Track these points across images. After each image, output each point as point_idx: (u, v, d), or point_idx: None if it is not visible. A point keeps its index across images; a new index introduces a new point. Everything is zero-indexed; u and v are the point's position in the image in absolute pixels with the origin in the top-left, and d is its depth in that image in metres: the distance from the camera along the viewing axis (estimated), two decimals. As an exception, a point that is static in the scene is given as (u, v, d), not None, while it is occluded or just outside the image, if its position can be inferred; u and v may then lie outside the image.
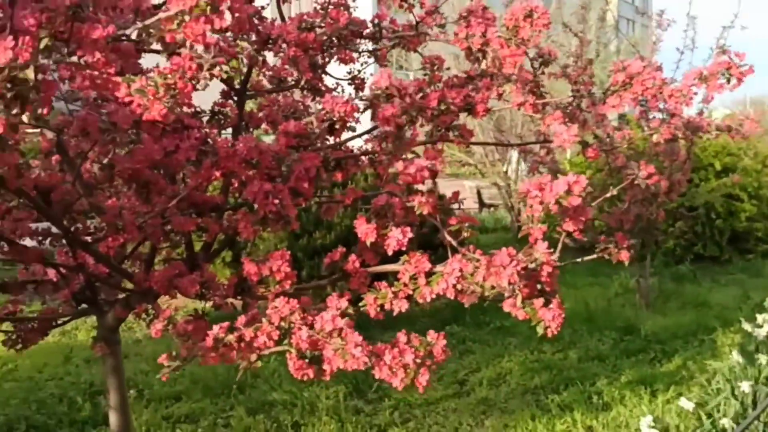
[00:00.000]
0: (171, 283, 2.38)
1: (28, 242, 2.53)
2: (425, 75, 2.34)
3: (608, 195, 1.94)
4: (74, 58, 1.27)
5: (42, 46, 1.18)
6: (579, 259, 1.88)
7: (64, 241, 2.61)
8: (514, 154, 10.16)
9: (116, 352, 2.92)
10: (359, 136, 2.50)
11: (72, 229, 2.36)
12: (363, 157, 2.44)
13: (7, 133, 1.24)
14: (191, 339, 2.13)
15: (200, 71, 1.20)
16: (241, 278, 2.30)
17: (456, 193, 2.87)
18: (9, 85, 1.13)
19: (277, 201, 1.88)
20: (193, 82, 1.20)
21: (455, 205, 2.19)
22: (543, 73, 2.47)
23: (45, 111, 1.18)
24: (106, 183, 2.38)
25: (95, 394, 4.16)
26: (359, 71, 2.86)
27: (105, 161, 2.32)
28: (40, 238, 2.64)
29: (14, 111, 1.17)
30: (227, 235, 2.55)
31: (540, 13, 1.70)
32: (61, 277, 2.73)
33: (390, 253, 1.89)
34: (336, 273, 2.21)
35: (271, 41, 2.28)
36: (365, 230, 1.87)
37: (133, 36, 1.26)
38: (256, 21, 2.40)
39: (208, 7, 1.06)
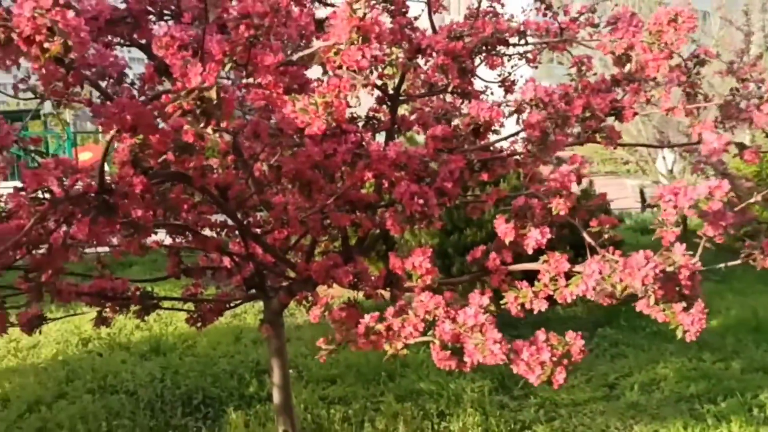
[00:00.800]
0: (328, 273, 2.61)
1: (207, 233, 2.88)
2: (572, 80, 2.38)
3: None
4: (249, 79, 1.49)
5: (225, 70, 1.40)
6: (720, 266, 1.84)
7: (237, 233, 2.91)
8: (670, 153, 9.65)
9: (280, 335, 3.22)
10: (505, 138, 2.57)
11: (245, 222, 2.63)
12: (509, 159, 2.52)
13: (195, 142, 1.48)
14: (345, 325, 2.34)
15: (354, 90, 1.36)
16: (390, 271, 2.47)
17: (603, 195, 2.87)
18: (197, 103, 1.36)
19: (422, 201, 2.02)
20: (347, 100, 1.36)
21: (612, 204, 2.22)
22: (698, 73, 2.42)
23: (225, 124, 1.40)
24: (274, 181, 2.64)
25: (261, 372, 4.56)
26: (509, 73, 2.93)
27: (273, 162, 2.59)
28: (218, 229, 2.97)
29: (201, 124, 1.40)
30: (380, 230, 2.73)
31: (685, 18, 1.70)
32: (235, 264, 3.05)
33: (529, 252, 1.97)
34: (478, 270, 2.32)
35: (421, 50, 2.42)
36: (504, 230, 1.96)
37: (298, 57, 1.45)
38: (408, 31, 2.55)
39: (360, 38, 1.22)
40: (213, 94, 1.33)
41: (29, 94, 2.38)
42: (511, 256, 2.21)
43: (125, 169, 1.94)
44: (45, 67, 1.42)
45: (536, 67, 2.98)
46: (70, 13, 1.21)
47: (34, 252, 2.00)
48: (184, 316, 5.51)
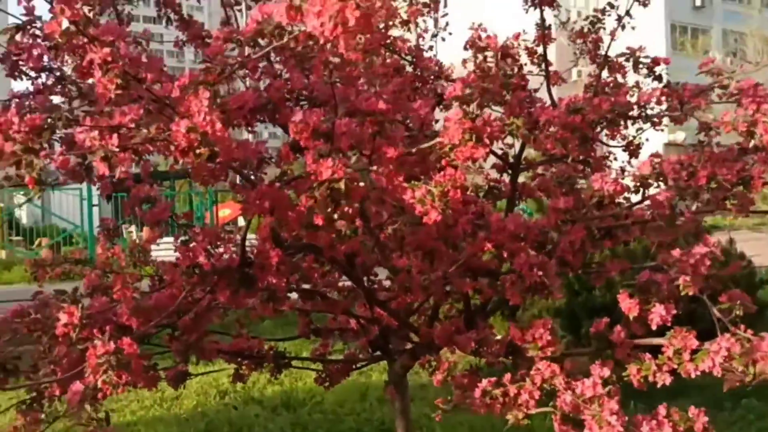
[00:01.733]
0: (450, 339, 2.67)
1: (336, 296, 3.03)
2: (694, 150, 2.34)
3: None
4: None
5: (352, 161, 1.53)
6: None
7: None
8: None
9: (404, 396, 3.29)
10: (631, 206, 2.55)
11: (370, 287, 2.76)
12: (633, 227, 2.49)
13: (324, 222, 1.63)
14: (465, 389, 2.39)
15: (467, 180, 1.45)
16: (511, 339, 2.50)
17: (736, 265, 2.75)
18: (328, 192, 1.50)
19: (541, 272, 2.05)
20: (463, 189, 1.45)
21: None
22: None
23: (351, 211, 1.53)
24: (397, 250, 2.76)
25: (387, 431, 4.62)
26: (634, 137, 2.91)
27: (393, 229, 2.71)
28: (345, 293, 3.12)
29: (329, 209, 1.54)
30: (501, 297, 2.77)
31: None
32: (360, 326, 3.18)
33: (653, 328, 1.94)
34: (601, 342, 2.29)
35: (539, 126, 2.48)
36: (628, 305, 1.95)
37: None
38: (527, 103, 2.63)
39: (473, 138, 1.31)
40: (342, 185, 1.47)
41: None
42: (640, 328, 2.17)
43: (264, 243, 2.13)
44: (196, 166, 1.63)
45: (662, 130, 2.95)
46: (218, 125, 1.39)
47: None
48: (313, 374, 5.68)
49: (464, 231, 2.34)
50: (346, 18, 1.15)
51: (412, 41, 2.87)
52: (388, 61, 2.67)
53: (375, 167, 1.56)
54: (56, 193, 21.18)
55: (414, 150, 1.52)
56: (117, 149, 1.37)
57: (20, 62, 2.19)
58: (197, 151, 1.36)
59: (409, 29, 2.93)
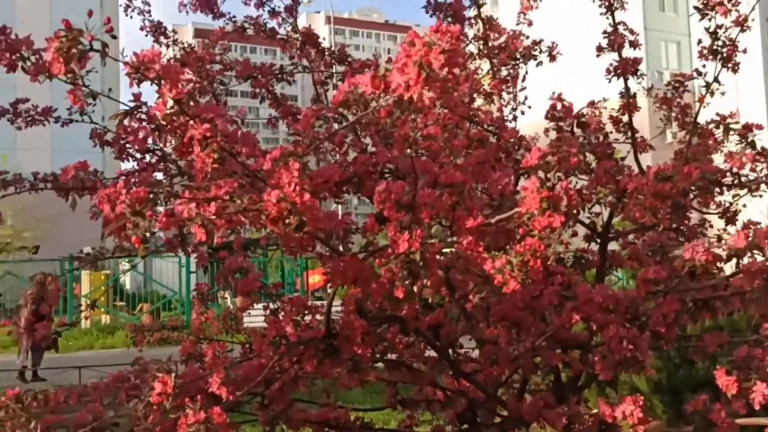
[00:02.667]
0: (539, 414, 2.59)
1: (421, 367, 3.01)
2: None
3: None
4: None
5: (431, 233, 1.56)
6: None
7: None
8: None
9: (495, 472, 3.18)
10: (728, 278, 2.44)
11: (455, 359, 2.73)
12: (732, 298, 2.38)
13: (405, 297, 1.65)
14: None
15: (548, 249, 1.44)
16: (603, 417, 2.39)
17: None
18: (405, 264, 1.53)
19: (632, 346, 1.98)
20: (543, 258, 1.45)
21: None
22: None
23: (430, 282, 1.55)
24: (483, 320, 2.73)
25: None
26: (730, 203, 2.80)
27: (480, 299, 2.69)
28: (430, 364, 3.10)
29: (407, 281, 1.57)
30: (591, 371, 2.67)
31: None
32: (447, 398, 3.13)
33: (756, 408, 1.82)
34: (702, 420, 2.17)
35: (627, 194, 2.44)
36: (725, 382, 1.84)
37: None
38: (615, 172, 2.59)
39: (551, 207, 1.31)
40: (418, 257, 1.49)
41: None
42: (743, 406, 2.04)
43: (349, 315, 2.17)
44: (285, 235, 1.70)
45: (761, 196, 2.83)
46: (306, 195, 1.46)
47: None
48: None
49: (550, 302, 2.30)
50: (430, 61, 1.20)
51: (494, 112, 2.92)
52: (472, 131, 2.72)
53: (455, 238, 1.58)
54: (157, 261, 22.29)
55: (493, 220, 1.53)
56: (213, 217, 1.46)
57: (127, 145, 2.39)
58: (287, 220, 1.42)
59: (492, 101, 2.98)
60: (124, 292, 23.63)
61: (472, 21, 3.20)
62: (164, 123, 1.42)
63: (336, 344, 2.08)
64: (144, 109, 1.92)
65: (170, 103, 1.41)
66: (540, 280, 2.32)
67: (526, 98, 3.18)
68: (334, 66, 3.57)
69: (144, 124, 1.92)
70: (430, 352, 3.06)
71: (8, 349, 16.04)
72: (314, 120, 2.35)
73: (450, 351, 2.65)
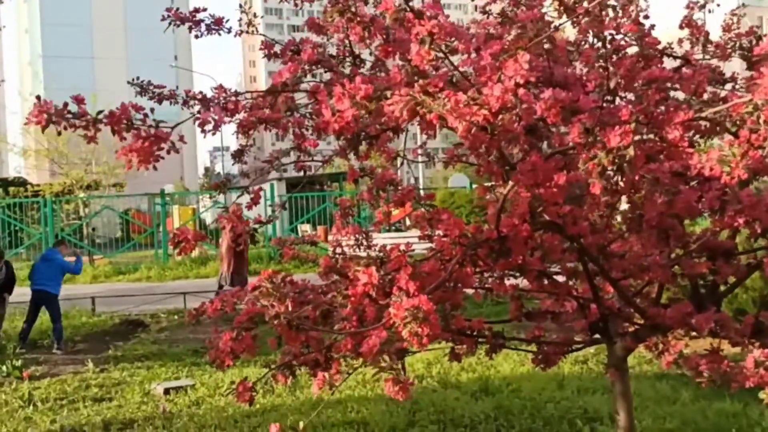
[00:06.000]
0: (684, 320, 2.65)
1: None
2: None
3: None
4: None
5: (633, 129, 1.61)
6: None
7: (579, 280, 3.07)
8: None
9: (625, 379, 3.28)
10: None
11: (605, 266, 2.80)
12: None
13: (599, 193, 1.72)
14: (704, 373, 2.37)
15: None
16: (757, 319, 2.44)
17: None
18: (617, 160, 1.59)
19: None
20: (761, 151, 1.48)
21: None
22: None
23: (637, 177, 1.61)
24: (634, 230, 2.77)
25: (591, 420, 4.61)
26: None
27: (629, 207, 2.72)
28: (568, 275, 3.18)
29: (614, 179, 1.63)
30: (736, 279, 2.70)
31: None
32: (580, 309, 3.22)
33: None
34: None
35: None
36: None
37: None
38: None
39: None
40: (631, 152, 1.55)
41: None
42: None
43: (513, 218, 2.26)
44: (473, 134, 1.78)
45: None
46: (521, 90, 1.54)
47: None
48: (505, 361, 5.83)
49: (711, 206, 2.33)
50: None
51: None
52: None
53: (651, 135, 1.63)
54: (234, 197, 22.97)
55: (707, 113, 1.56)
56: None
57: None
58: (504, 114, 1.50)
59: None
60: (206, 227, 24.56)
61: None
62: (394, 20, 1.50)
63: (507, 246, 2.18)
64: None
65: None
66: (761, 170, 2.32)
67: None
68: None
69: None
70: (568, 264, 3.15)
71: (110, 278, 17.09)
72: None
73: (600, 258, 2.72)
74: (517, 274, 2.90)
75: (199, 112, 2.33)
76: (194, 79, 58.18)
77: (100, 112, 1.78)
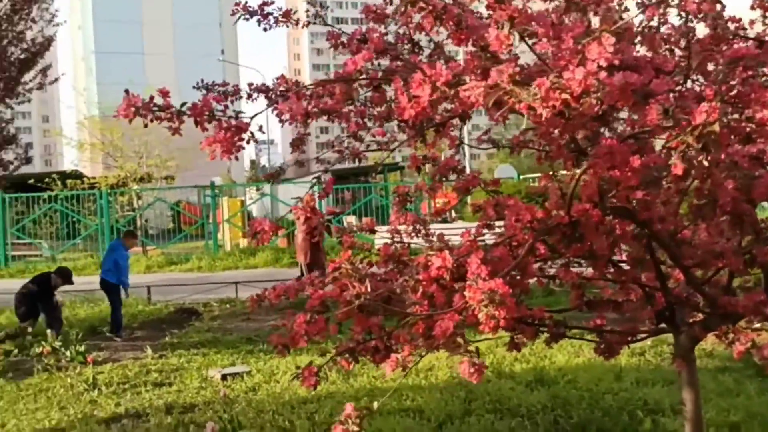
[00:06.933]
0: (757, 308, 2.58)
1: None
2: None
3: None
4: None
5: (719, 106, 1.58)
6: None
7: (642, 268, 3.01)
8: None
9: (692, 369, 3.22)
10: None
11: (676, 252, 2.75)
12: None
13: (680, 175, 1.68)
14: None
15: None
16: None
17: None
18: (700, 139, 1.56)
19: None
20: None
21: None
22: None
23: (722, 156, 1.57)
24: (704, 216, 2.71)
25: (651, 411, 4.54)
26: None
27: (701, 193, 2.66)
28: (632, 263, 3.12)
29: (699, 158, 1.60)
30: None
31: None
32: (646, 297, 3.16)
33: None
34: None
35: None
36: None
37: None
38: None
39: None
40: (716, 128, 1.52)
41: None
42: None
43: (584, 203, 2.23)
44: (548, 120, 1.77)
45: None
46: (602, 74, 1.52)
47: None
48: (560, 351, 5.76)
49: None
50: None
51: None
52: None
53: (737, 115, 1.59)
54: (281, 189, 23.31)
55: (803, 92, 1.52)
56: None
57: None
58: (585, 98, 1.48)
59: None
60: (252, 219, 24.87)
61: None
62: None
63: (579, 231, 2.16)
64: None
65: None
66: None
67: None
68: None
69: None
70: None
71: (163, 268, 17.49)
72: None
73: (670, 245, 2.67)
74: (581, 263, 2.88)
75: (275, 103, 2.37)
76: (240, 72, 58.99)
77: (183, 104, 1.83)
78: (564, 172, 2.65)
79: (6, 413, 5.53)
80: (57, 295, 8.99)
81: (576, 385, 5.28)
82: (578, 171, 2.11)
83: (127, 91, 1.81)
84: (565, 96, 1.50)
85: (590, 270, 2.99)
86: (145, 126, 1.82)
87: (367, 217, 22.53)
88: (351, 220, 22.19)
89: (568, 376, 5.51)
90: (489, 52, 1.84)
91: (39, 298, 8.73)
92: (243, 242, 20.57)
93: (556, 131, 1.97)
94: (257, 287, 10.41)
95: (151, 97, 1.80)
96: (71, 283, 9.20)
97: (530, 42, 1.70)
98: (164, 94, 1.82)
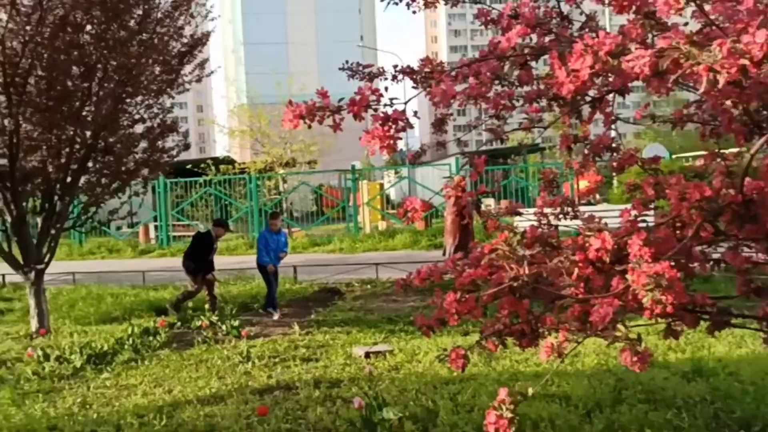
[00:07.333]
0: None
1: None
2: None
3: None
4: None
5: None
6: None
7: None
8: None
9: None
10: None
11: None
12: None
13: None
14: None
15: None
16: None
17: None
18: None
19: None
20: None
21: None
22: None
23: None
24: None
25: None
26: None
27: None
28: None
29: None
30: None
31: None
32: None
33: None
34: None
35: None
36: None
37: None
38: None
39: None
40: None
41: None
42: None
43: (757, 181, 2.04)
44: (722, 89, 1.62)
45: None
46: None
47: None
48: (719, 342, 5.37)
49: None
50: None
51: None
52: None
53: None
54: (418, 172, 23.47)
55: None
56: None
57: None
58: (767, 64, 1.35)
59: None
60: (391, 202, 25.37)
61: None
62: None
63: (753, 211, 1.99)
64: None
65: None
66: None
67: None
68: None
69: None
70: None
71: (307, 249, 18.18)
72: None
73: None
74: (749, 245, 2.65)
75: (421, 84, 2.37)
76: (378, 57, 59.85)
77: (341, 99, 1.87)
78: (731, 150, 2.44)
79: (172, 380, 6.01)
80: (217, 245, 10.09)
81: (738, 378, 4.90)
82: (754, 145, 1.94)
83: (290, 102, 1.88)
84: (744, 61, 1.37)
85: (761, 255, 2.75)
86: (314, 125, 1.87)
87: (504, 200, 22.28)
88: (489, 202, 21.95)
89: (729, 368, 5.13)
90: (654, 18, 1.72)
91: (200, 249, 9.69)
92: (382, 225, 20.97)
93: (728, 102, 1.81)
94: (396, 269, 10.63)
95: (313, 102, 1.86)
96: (230, 230, 11.08)
97: (701, 4, 1.57)
98: (323, 95, 1.87)
